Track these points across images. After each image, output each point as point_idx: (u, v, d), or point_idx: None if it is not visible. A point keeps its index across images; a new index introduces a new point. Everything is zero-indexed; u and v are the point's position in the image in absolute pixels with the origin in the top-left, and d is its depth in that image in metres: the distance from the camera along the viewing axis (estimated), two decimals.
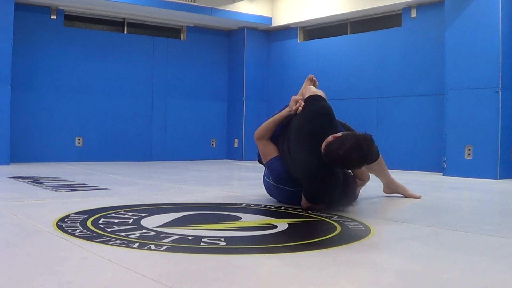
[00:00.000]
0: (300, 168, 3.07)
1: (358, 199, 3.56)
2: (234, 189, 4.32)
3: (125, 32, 8.08)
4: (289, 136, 3.18)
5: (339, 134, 2.96)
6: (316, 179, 3.00)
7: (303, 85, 3.65)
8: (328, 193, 3.04)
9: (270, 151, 3.30)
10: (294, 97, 3.31)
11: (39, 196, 3.58)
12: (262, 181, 3.58)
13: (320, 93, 3.36)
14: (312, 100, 3.25)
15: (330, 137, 2.95)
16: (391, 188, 3.92)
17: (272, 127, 3.32)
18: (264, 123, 3.37)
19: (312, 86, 3.47)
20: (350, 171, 3.28)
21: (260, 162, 3.64)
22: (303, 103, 3.22)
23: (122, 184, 4.52)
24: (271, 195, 3.47)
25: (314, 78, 3.67)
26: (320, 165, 2.96)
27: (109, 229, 2.40)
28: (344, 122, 3.57)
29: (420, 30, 6.82)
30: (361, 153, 2.83)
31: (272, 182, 3.31)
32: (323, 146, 2.95)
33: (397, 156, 6.91)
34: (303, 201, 3.14)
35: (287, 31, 8.59)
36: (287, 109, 3.30)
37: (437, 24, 6.52)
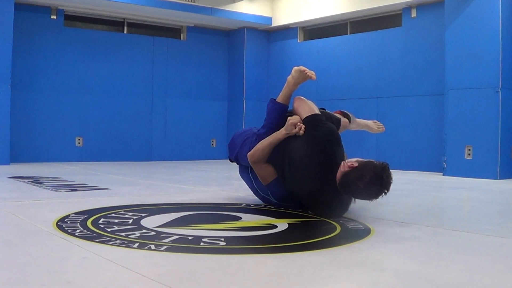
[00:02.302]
0: (310, 196, 2.98)
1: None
2: (234, 189, 4.32)
3: (125, 32, 8.08)
4: (291, 162, 3.02)
5: (354, 163, 2.77)
6: (331, 205, 2.93)
7: (293, 76, 3.35)
8: (343, 211, 3.01)
9: (269, 173, 3.15)
10: (291, 121, 3.08)
11: (39, 196, 3.58)
12: None
13: (314, 108, 3.18)
14: (312, 122, 3.05)
15: (343, 166, 2.80)
16: (359, 125, 3.98)
17: (269, 151, 3.12)
18: (260, 146, 3.14)
19: (304, 101, 3.22)
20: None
21: (231, 160, 3.58)
22: (303, 126, 3.05)
23: (122, 184, 4.52)
24: (269, 204, 3.42)
25: (308, 72, 3.31)
26: (333, 191, 2.86)
27: (109, 229, 2.40)
28: (323, 109, 3.43)
29: (420, 30, 6.82)
30: (382, 185, 2.69)
31: (275, 201, 3.27)
32: (338, 176, 2.80)
33: (397, 156, 6.91)
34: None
35: (287, 31, 8.59)
36: (283, 132, 3.09)
37: (437, 24, 6.51)
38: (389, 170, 2.72)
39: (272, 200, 3.28)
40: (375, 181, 2.67)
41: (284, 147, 3.10)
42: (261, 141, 3.18)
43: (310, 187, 2.94)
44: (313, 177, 2.93)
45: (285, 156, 3.08)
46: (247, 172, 3.41)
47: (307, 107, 3.15)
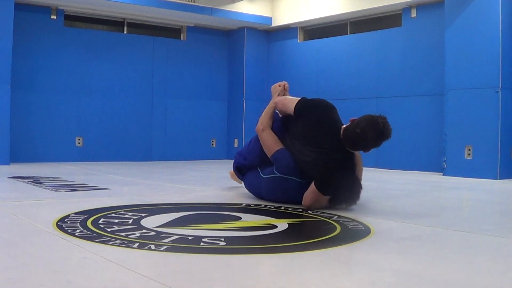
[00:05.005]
0: (315, 160, 3.13)
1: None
2: (234, 189, 4.32)
3: (125, 32, 8.08)
4: (300, 134, 3.25)
5: (356, 118, 3.12)
6: (331, 165, 3.09)
7: (274, 96, 3.70)
8: (340, 182, 3.09)
9: (276, 142, 3.35)
10: (273, 86, 3.63)
11: (39, 196, 3.58)
12: None
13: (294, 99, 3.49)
14: (304, 101, 3.35)
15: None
16: None
17: (271, 116, 3.46)
18: (263, 115, 3.49)
19: (283, 97, 3.56)
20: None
21: (239, 171, 3.73)
22: (286, 83, 3.56)
23: (122, 184, 4.52)
24: (267, 195, 3.46)
25: (282, 84, 3.72)
26: (336, 154, 3.12)
27: (109, 229, 2.40)
28: None
29: (420, 30, 6.82)
30: (377, 129, 2.97)
31: (279, 174, 3.30)
32: (341, 132, 3.11)
33: (397, 156, 6.91)
34: (308, 195, 3.15)
35: (287, 31, 8.59)
36: (273, 100, 3.52)
37: (437, 24, 6.51)
38: (385, 119, 3.03)
39: (275, 177, 3.31)
40: (371, 125, 2.98)
41: (288, 128, 3.39)
42: (261, 116, 3.49)
43: (319, 152, 3.13)
44: (323, 141, 3.15)
45: (291, 135, 3.32)
46: (254, 171, 3.50)
47: (289, 99, 3.45)
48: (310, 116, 3.24)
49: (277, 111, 3.53)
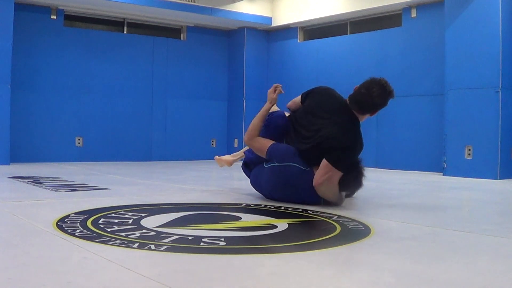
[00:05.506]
0: (332, 133, 3.25)
1: (359, 198, 3.57)
2: (234, 189, 4.32)
3: (125, 32, 8.08)
4: (307, 112, 3.39)
5: None
6: (342, 134, 3.22)
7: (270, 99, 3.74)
8: (353, 155, 3.24)
9: (266, 143, 3.41)
10: (269, 90, 3.61)
11: (39, 196, 3.58)
12: None
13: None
14: (306, 92, 3.55)
15: None
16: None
17: (259, 124, 3.50)
18: (251, 125, 3.53)
19: (293, 100, 3.65)
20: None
21: (247, 166, 3.74)
22: (279, 85, 3.58)
23: (122, 184, 4.52)
24: (266, 184, 3.47)
25: (273, 89, 3.76)
26: (350, 125, 3.29)
27: (109, 229, 2.40)
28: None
29: (420, 30, 6.82)
30: (380, 85, 3.24)
31: (278, 164, 3.31)
32: (347, 100, 3.33)
33: (397, 156, 6.91)
34: (319, 172, 3.18)
35: (287, 31, 8.59)
36: (268, 104, 3.54)
37: (437, 24, 6.51)
38: (385, 79, 3.29)
39: (275, 166, 3.33)
40: (374, 83, 3.24)
41: (293, 125, 3.47)
42: (252, 121, 3.53)
43: (332, 126, 3.27)
44: (335, 116, 3.32)
45: (296, 122, 3.43)
46: (260, 165, 3.53)
47: (292, 101, 3.62)
48: (315, 96, 3.46)
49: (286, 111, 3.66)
